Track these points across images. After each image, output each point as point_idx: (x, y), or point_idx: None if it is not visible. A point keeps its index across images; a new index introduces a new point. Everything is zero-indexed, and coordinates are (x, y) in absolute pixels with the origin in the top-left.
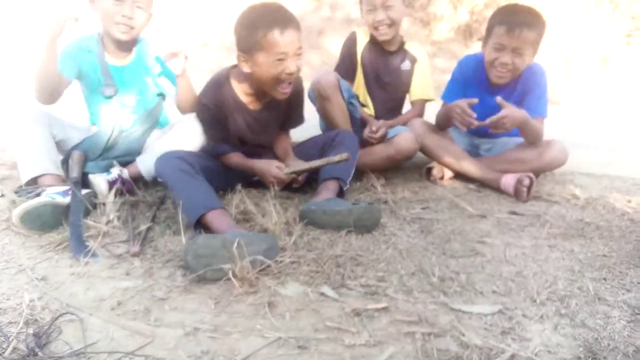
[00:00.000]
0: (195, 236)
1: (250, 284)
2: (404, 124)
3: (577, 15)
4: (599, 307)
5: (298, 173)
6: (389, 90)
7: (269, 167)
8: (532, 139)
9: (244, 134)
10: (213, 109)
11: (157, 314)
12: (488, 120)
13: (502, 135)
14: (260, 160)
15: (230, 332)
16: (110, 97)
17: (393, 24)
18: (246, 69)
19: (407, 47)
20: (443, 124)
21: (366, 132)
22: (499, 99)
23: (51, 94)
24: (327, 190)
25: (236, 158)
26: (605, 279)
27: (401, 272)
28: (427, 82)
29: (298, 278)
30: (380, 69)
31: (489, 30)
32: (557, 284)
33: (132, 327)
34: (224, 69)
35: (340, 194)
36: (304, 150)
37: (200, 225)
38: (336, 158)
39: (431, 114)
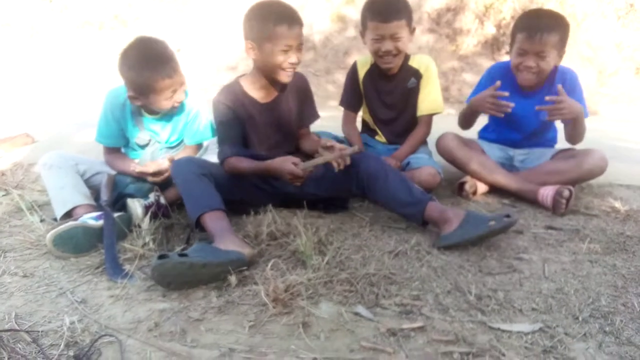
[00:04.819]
0: (169, 256)
1: (284, 305)
2: (415, 148)
3: (608, 25)
4: None
5: (313, 166)
6: (397, 113)
7: (284, 164)
8: (580, 134)
9: (261, 129)
10: (225, 106)
11: (193, 335)
12: (548, 99)
13: (537, 146)
14: (274, 159)
15: (265, 352)
16: (144, 147)
17: (399, 53)
18: (252, 55)
19: (411, 62)
20: (467, 121)
21: None
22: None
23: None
24: (448, 211)
25: (246, 162)
26: None
27: (436, 291)
28: (435, 94)
29: (332, 298)
30: (384, 94)
31: (513, 37)
32: (600, 301)
33: (169, 349)
34: (235, 78)
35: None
36: (326, 171)
37: (199, 225)
38: (348, 151)
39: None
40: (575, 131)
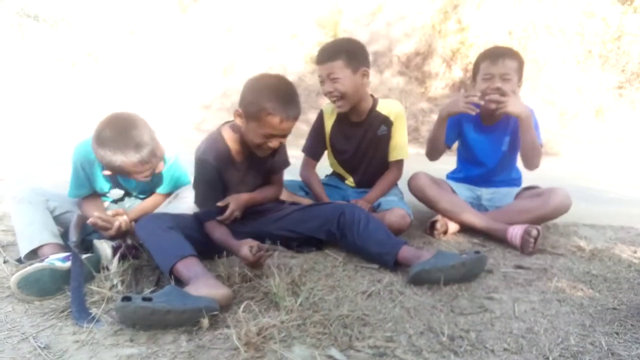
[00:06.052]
0: (132, 299)
1: (256, 348)
2: (386, 191)
3: (568, 69)
4: None
5: (266, 250)
6: (367, 159)
7: (239, 248)
8: (530, 143)
9: (241, 179)
10: (211, 166)
11: None
12: (493, 88)
13: (503, 185)
14: (237, 242)
15: None
16: (117, 200)
17: (343, 97)
18: (238, 122)
19: (379, 108)
20: (435, 139)
21: None
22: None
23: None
24: (422, 251)
25: (219, 232)
26: (617, 333)
27: (410, 332)
28: (404, 141)
29: (305, 340)
30: (353, 141)
31: (476, 68)
32: (569, 340)
33: None
34: (219, 126)
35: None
36: (307, 217)
37: (172, 275)
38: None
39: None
40: (525, 137)
